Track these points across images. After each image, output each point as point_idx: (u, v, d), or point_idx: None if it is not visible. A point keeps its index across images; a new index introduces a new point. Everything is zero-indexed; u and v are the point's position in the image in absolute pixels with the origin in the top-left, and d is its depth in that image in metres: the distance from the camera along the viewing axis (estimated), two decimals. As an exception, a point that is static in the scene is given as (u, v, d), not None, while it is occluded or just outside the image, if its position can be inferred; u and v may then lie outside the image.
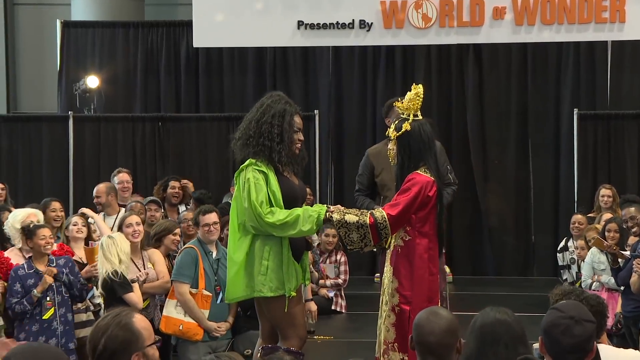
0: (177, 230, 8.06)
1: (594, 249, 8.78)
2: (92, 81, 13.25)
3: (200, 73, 13.63)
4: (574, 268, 9.97)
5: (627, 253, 8.02)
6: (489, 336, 3.80)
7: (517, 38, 12.66)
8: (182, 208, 10.00)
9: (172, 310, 7.18)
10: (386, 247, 5.91)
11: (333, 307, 10.00)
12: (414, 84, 6.04)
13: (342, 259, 10.15)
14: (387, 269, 5.89)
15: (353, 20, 12.55)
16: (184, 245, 7.85)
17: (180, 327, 7.12)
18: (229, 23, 12.75)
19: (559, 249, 10.54)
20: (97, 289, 7.23)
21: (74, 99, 13.38)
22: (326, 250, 10.15)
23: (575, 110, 12.50)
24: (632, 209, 8.66)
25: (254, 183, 5.66)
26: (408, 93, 5.92)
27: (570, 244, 10.12)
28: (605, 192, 10.38)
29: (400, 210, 5.63)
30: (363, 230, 5.62)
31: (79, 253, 7.62)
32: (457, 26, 12.49)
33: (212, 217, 7.42)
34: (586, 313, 3.62)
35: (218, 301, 7.25)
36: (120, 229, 7.67)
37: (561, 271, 10.52)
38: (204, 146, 13.14)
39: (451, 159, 12.72)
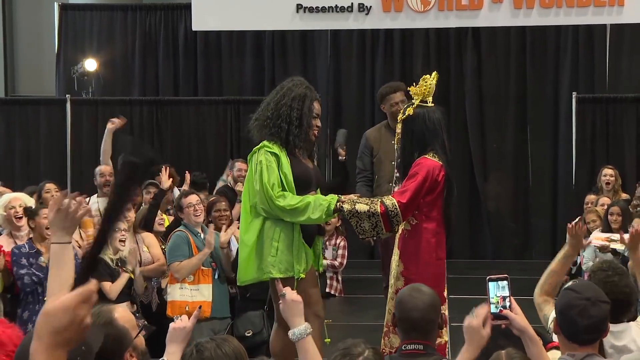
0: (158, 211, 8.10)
1: (595, 232, 8.78)
2: (90, 64, 13.21)
3: (198, 56, 13.63)
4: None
5: (619, 246, 8.02)
6: None
7: (516, 21, 12.63)
8: (175, 192, 9.96)
9: (175, 295, 7.19)
10: (396, 231, 5.89)
11: (327, 290, 9.98)
12: (435, 72, 6.00)
13: (342, 244, 10.14)
14: (395, 253, 5.91)
15: (352, 3, 12.53)
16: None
17: (187, 308, 7.12)
18: (228, 6, 12.71)
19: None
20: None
21: (71, 82, 13.36)
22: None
23: (574, 94, 12.48)
24: None
25: (266, 165, 5.64)
26: (423, 78, 5.90)
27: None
28: (607, 172, 10.35)
29: (410, 197, 5.63)
30: (374, 219, 5.61)
31: (76, 236, 7.61)
32: (455, 9, 12.46)
33: (194, 197, 7.45)
34: (601, 294, 3.63)
35: (216, 277, 7.30)
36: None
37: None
38: (202, 129, 13.15)
39: (449, 143, 12.78)
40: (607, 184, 10.29)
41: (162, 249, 7.75)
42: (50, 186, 8.42)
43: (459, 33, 13.11)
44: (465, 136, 12.98)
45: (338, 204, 5.62)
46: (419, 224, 5.76)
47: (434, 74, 5.93)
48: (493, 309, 3.31)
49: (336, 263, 10.03)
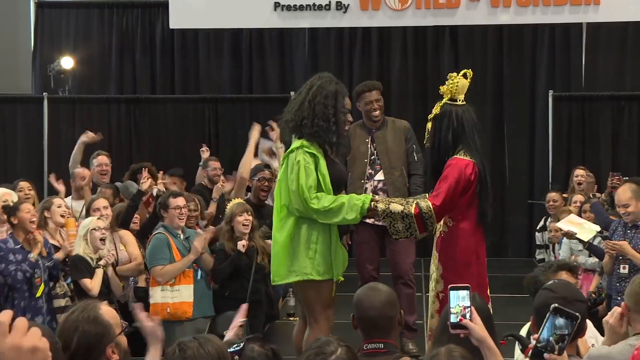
0: None
1: (572, 215, 8.85)
2: (67, 62, 13.18)
3: (176, 54, 13.60)
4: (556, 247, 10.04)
5: (584, 236, 8.09)
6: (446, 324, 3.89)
7: (493, 20, 12.69)
8: (154, 192, 9.95)
9: (157, 297, 7.15)
10: (433, 233, 5.94)
11: None
12: (470, 69, 6.03)
13: None
14: (434, 255, 5.93)
15: (330, 1, 12.54)
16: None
17: (168, 310, 7.11)
18: (205, 4, 12.69)
19: (537, 228, 10.61)
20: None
21: (48, 80, 13.31)
22: None
23: (550, 92, 12.58)
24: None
25: (304, 166, 5.63)
26: (452, 77, 5.94)
27: (549, 223, 10.17)
28: (579, 173, 10.42)
29: (444, 199, 5.64)
30: (408, 220, 5.62)
31: (57, 236, 7.63)
32: (433, 8, 12.51)
33: (182, 200, 7.42)
34: (578, 293, 3.67)
35: (198, 277, 7.28)
36: (88, 213, 7.66)
37: (537, 250, 10.57)
38: (180, 128, 13.16)
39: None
40: (579, 184, 10.36)
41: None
42: (23, 184, 8.42)
43: (436, 31, 13.17)
44: (442, 134, 13.02)
45: (372, 203, 5.62)
46: (456, 224, 5.78)
47: (463, 71, 5.97)
48: (453, 319, 3.29)
49: None
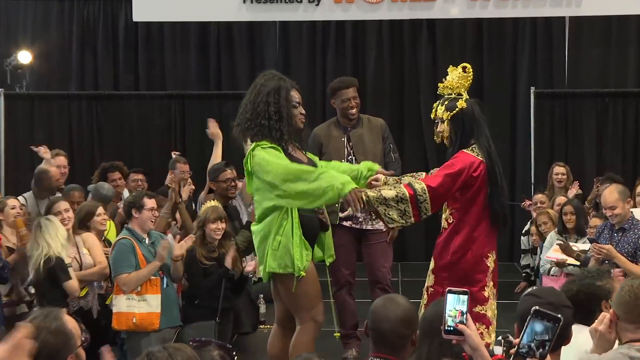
0: (100, 210, 8.00)
1: (552, 233, 8.88)
2: (24, 57, 13.07)
3: (140, 49, 13.53)
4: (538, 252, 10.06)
5: (576, 261, 8.14)
6: (428, 329, 3.85)
7: (472, 13, 12.73)
8: (125, 193, 9.91)
9: (122, 306, 7.10)
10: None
11: None
12: (451, 65, 6.08)
13: None
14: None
15: (302, -7, 12.57)
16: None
17: (134, 320, 7.06)
18: (171, -5, 12.69)
19: (523, 232, 10.64)
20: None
21: (4, 75, 13.20)
22: None
23: (532, 89, 12.61)
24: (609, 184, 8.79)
25: (272, 154, 5.65)
26: (451, 72, 5.98)
27: (532, 226, 10.18)
28: (558, 170, 10.45)
29: (440, 183, 5.65)
30: (402, 205, 5.61)
31: (12, 238, 7.57)
32: (409, 1, 12.53)
33: (152, 202, 7.37)
34: (564, 299, 3.67)
35: (165, 285, 7.24)
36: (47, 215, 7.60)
37: (522, 255, 10.60)
38: (145, 126, 13.13)
39: (403, 139, 12.85)
40: (559, 181, 10.38)
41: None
42: None
43: (413, 25, 13.18)
44: (419, 132, 13.04)
45: (363, 194, 5.58)
46: (456, 222, 5.84)
47: (461, 65, 6.01)
48: (449, 322, 3.27)
49: None
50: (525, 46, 13.12)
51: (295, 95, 5.94)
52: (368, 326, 3.93)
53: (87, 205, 8.18)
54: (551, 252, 8.46)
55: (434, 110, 6.02)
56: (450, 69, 6.08)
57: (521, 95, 13.02)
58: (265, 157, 5.66)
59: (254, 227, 5.96)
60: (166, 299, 7.22)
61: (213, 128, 8.93)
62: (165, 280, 7.23)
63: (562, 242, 8.20)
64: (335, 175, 5.62)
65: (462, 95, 5.93)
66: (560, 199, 9.58)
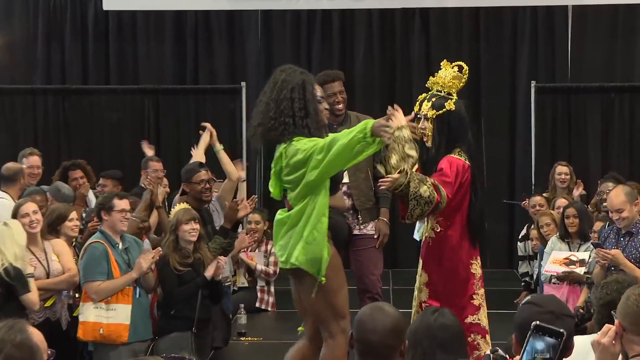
0: (73, 214, 7.96)
1: (554, 238, 8.87)
2: (-14, 48, 13.06)
3: (110, 40, 13.48)
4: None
5: (582, 270, 8.16)
6: (412, 339, 3.91)
7: (469, 2, 12.77)
8: (90, 196, 9.87)
9: (89, 315, 7.08)
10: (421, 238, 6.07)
11: (258, 304, 9.96)
12: (445, 60, 6.22)
13: (273, 250, 10.12)
14: (419, 263, 6.06)
15: (285, -20, 12.59)
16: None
17: (101, 331, 7.03)
18: (144, -18, 12.67)
19: (520, 237, 10.64)
20: None
21: (-35, 68, 13.20)
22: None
23: (533, 83, 12.63)
24: (610, 183, 8.80)
25: (308, 143, 5.67)
26: (445, 68, 6.05)
27: (532, 230, 10.15)
28: (561, 170, 10.43)
29: (453, 192, 5.82)
30: (427, 207, 5.77)
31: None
32: (401, -12, 12.57)
33: (126, 203, 7.35)
34: (566, 307, 3.67)
35: (137, 295, 7.21)
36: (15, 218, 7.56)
37: (519, 262, 10.59)
38: (116, 122, 13.11)
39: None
40: (562, 182, 10.37)
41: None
42: None
43: (405, 14, 13.17)
44: (411, 129, 13.03)
45: (406, 176, 5.67)
46: (444, 231, 5.94)
47: (457, 64, 6.14)
48: None
49: (270, 271, 10.02)
50: (526, 37, 13.12)
51: (320, 90, 6.02)
52: (353, 337, 3.91)
53: (60, 208, 8.13)
54: (549, 265, 8.48)
55: (418, 103, 6.05)
56: (444, 64, 6.12)
57: (521, 90, 13.03)
58: (297, 144, 5.71)
59: (281, 215, 5.94)
60: (137, 310, 7.19)
61: (207, 135, 8.69)
62: (137, 290, 7.20)
63: (565, 271, 8.25)
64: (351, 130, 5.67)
65: (452, 95, 5.98)
66: (561, 201, 9.56)
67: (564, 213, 8.79)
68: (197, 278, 7.32)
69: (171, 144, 12.80)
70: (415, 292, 6.02)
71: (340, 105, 7.67)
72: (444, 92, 6.02)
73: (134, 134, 12.84)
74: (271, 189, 6.05)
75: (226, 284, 8.42)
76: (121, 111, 13.09)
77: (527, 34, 13.09)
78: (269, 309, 10.06)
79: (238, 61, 13.47)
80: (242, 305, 9.04)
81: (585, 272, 8.14)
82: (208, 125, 8.48)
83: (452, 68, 6.09)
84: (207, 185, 7.89)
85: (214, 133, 8.42)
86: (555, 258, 8.46)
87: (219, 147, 8.41)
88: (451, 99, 5.97)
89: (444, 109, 5.93)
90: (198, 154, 8.48)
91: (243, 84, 12.85)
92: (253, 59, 13.37)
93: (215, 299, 7.58)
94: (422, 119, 6.00)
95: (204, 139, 8.45)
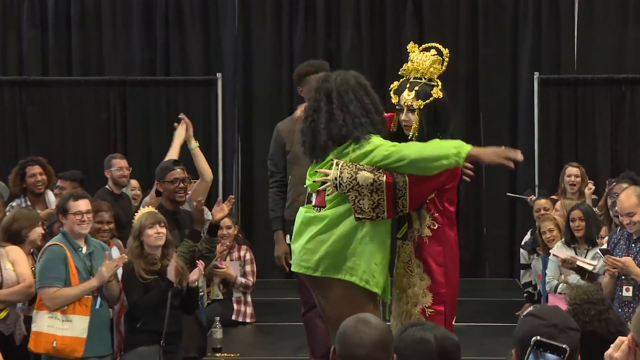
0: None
1: (559, 243, 8.86)
2: (-64, 37, 13.00)
3: (73, 27, 13.46)
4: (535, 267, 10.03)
5: (590, 262, 8.13)
6: (399, 356, 3.89)
7: (466, -14, 12.78)
8: (49, 196, 9.83)
9: (43, 325, 7.04)
10: (399, 236, 6.07)
11: (234, 317, 9.92)
12: (412, 42, 6.16)
13: (248, 256, 10.08)
14: (415, 264, 5.98)
15: (264, -40, 12.59)
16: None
17: (54, 344, 6.99)
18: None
19: (522, 243, 10.60)
20: None
21: None
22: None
23: (536, 75, 12.66)
24: (626, 185, 8.80)
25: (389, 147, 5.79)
26: (413, 51, 6.01)
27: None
28: (572, 172, 10.38)
29: (420, 178, 5.77)
30: (377, 197, 5.70)
31: None
32: (392, -30, 12.58)
33: (84, 204, 7.30)
34: (570, 320, 3.64)
35: (97, 306, 7.16)
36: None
37: (522, 271, 10.56)
38: (79, 117, 13.09)
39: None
40: (572, 185, 10.34)
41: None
42: None
43: (396, 1, 13.20)
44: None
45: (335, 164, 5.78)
46: (442, 227, 5.93)
47: (432, 45, 6.11)
48: None
49: (250, 283, 9.99)
50: (528, 25, 13.14)
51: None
52: (337, 352, 3.89)
53: (29, 213, 8.11)
54: (556, 248, 8.46)
55: (392, 93, 6.02)
56: (411, 47, 6.09)
57: (523, 82, 13.05)
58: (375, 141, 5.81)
59: (310, 213, 6.00)
60: (96, 323, 7.15)
61: (183, 129, 8.61)
62: (98, 300, 7.16)
63: (568, 258, 8.20)
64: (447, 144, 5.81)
65: (435, 82, 5.96)
66: (559, 204, 9.59)
67: (569, 216, 8.77)
68: (166, 288, 7.21)
69: (139, 141, 12.78)
70: (413, 298, 5.95)
71: (326, 98, 7.67)
72: (424, 78, 6.00)
73: (98, 130, 12.83)
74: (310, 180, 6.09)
75: (200, 294, 8.38)
76: (84, 105, 13.06)
77: (529, 20, 13.10)
78: (248, 320, 10.02)
79: (213, 50, 13.45)
80: (218, 319, 9.00)
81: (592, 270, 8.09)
82: (184, 116, 8.42)
83: (423, 52, 6.07)
84: (181, 185, 7.86)
85: (191, 127, 8.36)
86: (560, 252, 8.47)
87: (194, 144, 8.35)
88: (437, 86, 5.95)
89: (431, 98, 5.91)
90: (172, 151, 8.42)
91: (219, 75, 12.84)
92: (229, 48, 13.34)
93: (188, 309, 7.53)
94: (406, 111, 5.97)
95: (179, 133, 8.38)
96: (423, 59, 6.01)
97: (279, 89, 13.29)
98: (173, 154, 8.32)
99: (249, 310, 10.08)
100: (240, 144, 13.36)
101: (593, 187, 10.17)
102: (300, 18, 13.30)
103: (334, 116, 5.89)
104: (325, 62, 8.16)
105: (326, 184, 5.83)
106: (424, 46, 6.09)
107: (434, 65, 6.01)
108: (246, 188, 13.14)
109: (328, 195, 5.87)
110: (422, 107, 5.90)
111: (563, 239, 8.83)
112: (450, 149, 5.71)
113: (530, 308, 3.86)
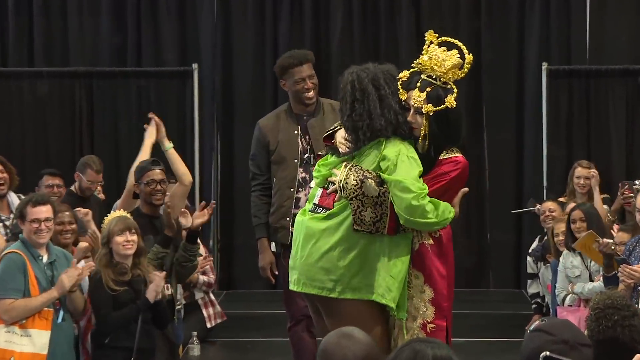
0: None
1: (564, 252, 8.84)
2: None
3: (35, 14, 13.43)
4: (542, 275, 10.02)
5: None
6: None
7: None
8: (12, 197, 9.79)
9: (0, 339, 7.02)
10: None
11: (209, 325, 9.88)
12: (432, 32, 5.97)
13: (203, 251, 9.98)
14: (413, 275, 5.95)
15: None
16: None
17: (12, 360, 6.99)
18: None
19: (530, 251, 10.59)
20: None
21: None
22: None
23: (544, 65, 12.69)
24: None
25: (408, 157, 5.76)
26: (431, 40, 5.88)
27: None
28: (581, 173, 10.40)
29: (435, 190, 5.77)
30: (380, 211, 5.70)
31: None
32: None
33: (45, 210, 7.26)
34: (581, 335, 3.65)
35: (59, 320, 7.16)
36: None
37: (529, 281, 10.56)
38: (41, 112, 13.09)
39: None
40: (582, 186, 10.34)
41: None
42: None
43: (391, -15, 13.21)
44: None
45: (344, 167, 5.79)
46: (442, 236, 5.95)
47: (448, 41, 5.94)
48: None
49: (212, 280, 9.97)
50: (535, 11, 13.16)
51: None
52: None
53: None
54: (564, 257, 8.48)
55: (400, 84, 5.90)
56: (430, 35, 5.95)
57: (530, 73, 13.09)
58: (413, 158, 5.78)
59: (315, 222, 5.90)
60: (58, 338, 7.14)
61: (154, 129, 8.57)
62: (60, 313, 7.15)
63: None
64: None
65: (451, 87, 5.85)
66: (572, 205, 9.58)
67: (569, 218, 8.78)
68: (136, 299, 7.24)
69: (107, 138, 12.77)
70: (412, 312, 5.92)
71: (311, 93, 7.67)
72: (439, 80, 5.89)
73: (62, 124, 12.84)
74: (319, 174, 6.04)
75: (177, 307, 8.36)
76: (47, 98, 13.06)
77: (537, 5, 13.13)
78: (219, 320, 9.96)
79: (190, 39, 13.44)
80: (195, 334, 8.98)
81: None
82: (154, 116, 8.38)
83: (445, 50, 5.93)
84: (158, 186, 7.86)
85: (162, 127, 8.32)
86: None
87: (168, 145, 8.32)
88: (452, 94, 5.84)
89: (442, 105, 5.81)
90: (143, 154, 8.37)
91: (195, 66, 12.83)
92: (207, 39, 13.35)
93: (160, 323, 7.50)
94: (413, 112, 5.88)
95: (150, 133, 8.35)
96: (443, 58, 5.86)
97: (261, 82, 13.27)
98: (143, 157, 8.28)
99: (218, 309, 10.04)
100: (219, 142, 13.35)
101: (598, 179, 10.14)
102: (285, 4, 13.32)
103: (373, 114, 5.80)
104: (309, 51, 8.13)
105: (334, 186, 5.80)
106: (443, 39, 5.91)
107: (454, 70, 5.87)
108: (226, 191, 13.11)
109: (337, 200, 5.84)
110: (431, 112, 5.82)
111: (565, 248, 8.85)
112: (442, 220, 5.74)
113: (538, 322, 3.83)
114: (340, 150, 5.92)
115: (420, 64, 5.89)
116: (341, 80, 5.93)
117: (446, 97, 5.78)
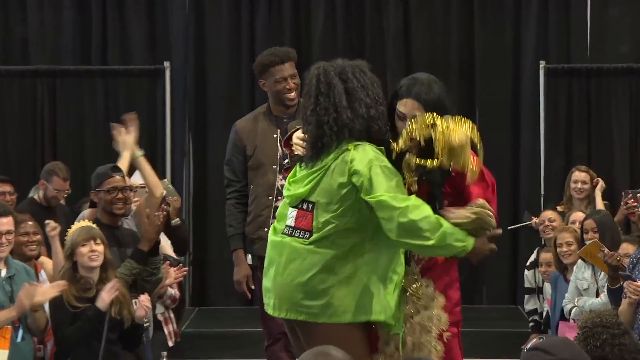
0: None
1: (579, 262, 8.85)
2: None
3: (-7, 8, 13.41)
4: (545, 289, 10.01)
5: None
6: None
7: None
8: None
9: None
10: None
11: (170, 343, 9.85)
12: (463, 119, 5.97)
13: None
14: (419, 287, 5.97)
15: None
16: None
17: (-31, 380, 7.00)
18: None
19: (528, 264, 10.59)
20: None
21: None
22: None
23: (542, 63, 12.73)
24: None
25: (381, 168, 5.64)
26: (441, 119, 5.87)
27: (543, 253, 10.11)
28: (578, 177, 10.43)
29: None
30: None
31: None
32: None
33: (6, 222, 7.28)
34: (581, 353, 3.66)
35: (18, 339, 7.18)
36: None
37: (526, 296, 10.55)
38: (1, 113, 13.11)
39: None
40: (579, 192, 10.36)
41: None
42: None
43: (376, -23, 13.23)
44: (386, 124, 13.04)
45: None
46: None
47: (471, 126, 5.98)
48: None
49: (177, 294, 9.94)
50: (533, 5, 13.19)
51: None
52: None
53: None
54: (578, 268, 8.51)
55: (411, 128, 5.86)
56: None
57: (527, 72, 13.14)
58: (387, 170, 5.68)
59: (309, 245, 5.80)
60: (17, 358, 7.11)
61: (122, 134, 8.55)
62: (20, 332, 7.17)
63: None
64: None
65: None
66: (577, 215, 9.60)
67: (582, 228, 8.79)
68: (101, 317, 7.18)
69: (71, 140, 12.77)
70: (425, 324, 5.96)
71: (293, 94, 7.72)
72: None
73: (22, 126, 12.82)
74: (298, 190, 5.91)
75: (145, 325, 8.34)
76: (6, 98, 13.09)
77: (534, 2, 13.14)
78: (178, 339, 9.91)
79: (160, 35, 13.45)
80: (165, 354, 8.97)
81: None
82: (134, 117, 8.35)
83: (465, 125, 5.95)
84: (120, 195, 7.81)
85: (136, 132, 8.30)
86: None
87: (137, 152, 8.29)
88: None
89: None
90: (123, 163, 8.30)
91: (166, 64, 12.84)
92: (179, 32, 13.36)
93: (130, 345, 7.49)
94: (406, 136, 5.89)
95: (125, 143, 8.28)
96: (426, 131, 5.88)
97: (237, 81, 13.28)
98: (123, 166, 8.23)
99: (175, 327, 9.99)
100: (191, 146, 13.35)
101: (603, 185, 10.16)
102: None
103: (357, 93, 5.76)
104: (292, 49, 8.14)
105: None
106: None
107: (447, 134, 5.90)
108: (199, 198, 13.12)
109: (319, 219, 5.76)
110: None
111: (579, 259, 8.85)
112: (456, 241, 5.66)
113: (535, 340, 3.85)
114: (296, 152, 5.90)
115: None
116: (307, 75, 5.89)
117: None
